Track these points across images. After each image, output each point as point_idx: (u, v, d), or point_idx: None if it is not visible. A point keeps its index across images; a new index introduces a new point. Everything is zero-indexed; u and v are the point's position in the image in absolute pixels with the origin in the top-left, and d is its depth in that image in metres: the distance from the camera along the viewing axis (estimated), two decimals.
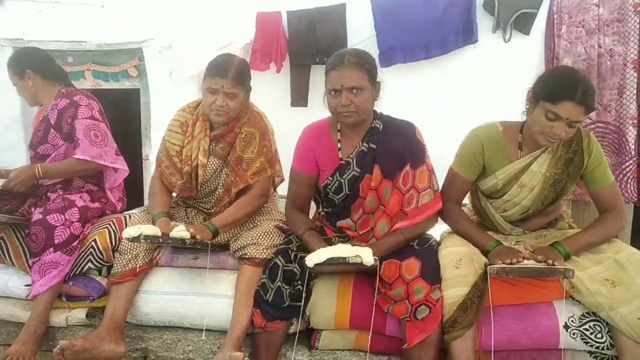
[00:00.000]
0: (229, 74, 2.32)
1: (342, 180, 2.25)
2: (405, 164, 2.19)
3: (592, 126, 4.81)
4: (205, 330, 2.32)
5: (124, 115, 4.81)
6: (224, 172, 2.48)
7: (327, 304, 2.19)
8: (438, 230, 2.41)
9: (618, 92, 4.66)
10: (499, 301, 2.10)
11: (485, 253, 2.13)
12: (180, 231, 2.15)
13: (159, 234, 2.15)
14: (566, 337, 2.04)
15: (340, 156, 2.27)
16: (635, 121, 4.61)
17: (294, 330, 2.28)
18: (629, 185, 4.89)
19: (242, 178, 2.41)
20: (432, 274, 2.08)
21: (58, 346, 2.09)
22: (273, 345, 2.20)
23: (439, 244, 2.28)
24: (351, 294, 2.19)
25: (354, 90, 2.10)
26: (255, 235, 2.34)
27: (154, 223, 2.32)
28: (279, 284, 2.15)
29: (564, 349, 2.09)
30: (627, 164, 4.86)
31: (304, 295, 2.17)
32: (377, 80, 2.18)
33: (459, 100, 3.97)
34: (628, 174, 4.84)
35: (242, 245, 2.32)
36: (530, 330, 2.06)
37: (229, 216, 2.35)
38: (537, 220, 2.31)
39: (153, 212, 2.45)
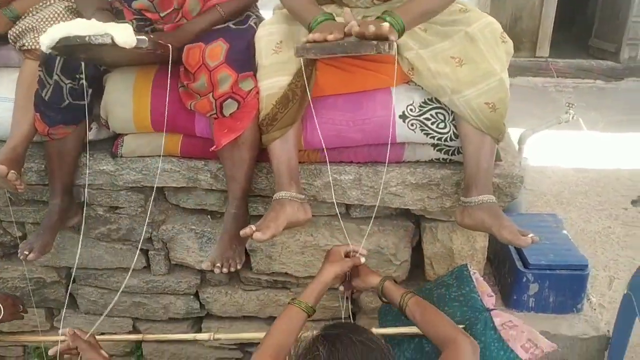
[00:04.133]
0: None
1: None
2: None
3: None
4: None
5: None
6: None
7: (123, 103, 1.78)
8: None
9: None
10: (328, 90, 1.73)
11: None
12: None
13: None
14: (403, 129, 1.71)
15: None
16: None
17: (96, 137, 1.91)
18: None
19: None
20: (242, 59, 1.66)
21: None
22: (65, 154, 1.83)
23: None
24: (151, 90, 1.77)
25: None
26: (37, 19, 1.84)
27: None
28: (57, 77, 1.71)
29: (405, 143, 1.77)
30: None
31: (88, 91, 1.75)
32: None
33: None
34: None
35: (20, 32, 1.83)
36: (361, 123, 1.71)
37: None
38: None
39: None
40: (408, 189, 1.80)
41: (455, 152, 1.76)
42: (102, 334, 2.23)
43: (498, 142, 1.68)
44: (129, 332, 2.24)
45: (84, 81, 1.72)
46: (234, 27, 1.73)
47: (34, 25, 1.82)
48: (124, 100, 1.77)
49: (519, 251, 2.09)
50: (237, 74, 1.63)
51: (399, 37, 1.57)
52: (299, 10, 1.71)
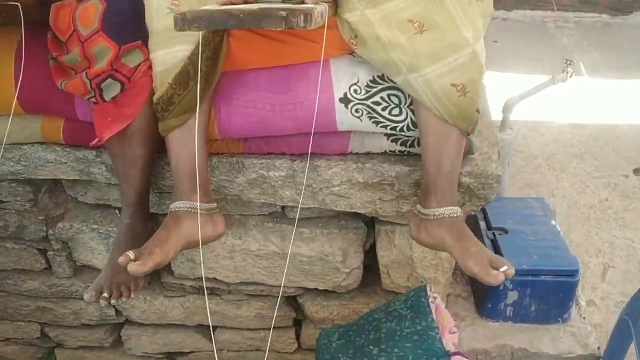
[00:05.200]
0: None
1: None
2: None
3: None
4: None
5: None
6: None
7: None
8: None
9: None
10: (245, 63, 1.31)
11: None
12: None
13: None
14: (346, 116, 1.30)
15: None
16: None
17: None
18: None
19: None
20: (125, 23, 1.22)
21: None
22: None
23: None
24: (13, 61, 1.34)
25: None
26: None
27: None
28: None
29: (350, 131, 1.37)
30: None
31: None
32: None
33: None
34: None
35: None
36: (291, 107, 1.30)
37: None
38: None
39: None
40: (355, 188, 1.42)
41: (415, 142, 1.36)
42: (7, 339, 1.92)
43: (468, 134, 1.27)
44: (37, 338, 1.91)
45: None
46: None
47: None
48: None
49: (496, 250, 1.73)
50: (117, 45, 1.20)
51: None
52: None
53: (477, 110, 1.26)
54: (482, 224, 1.84)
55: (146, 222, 1.39)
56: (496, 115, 2.06)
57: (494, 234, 1.80)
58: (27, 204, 1.61)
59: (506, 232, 1.80)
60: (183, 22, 0.96)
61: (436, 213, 1.24)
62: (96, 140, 1.29)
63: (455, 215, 1.24)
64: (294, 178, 1.41)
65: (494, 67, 3.35)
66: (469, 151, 1.37)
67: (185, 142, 1.26)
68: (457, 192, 1.29)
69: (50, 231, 1.64)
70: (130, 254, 1.14)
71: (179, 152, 1.26)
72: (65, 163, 1.48)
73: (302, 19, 0.92)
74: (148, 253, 1.15)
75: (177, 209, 1.24)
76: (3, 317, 1.87)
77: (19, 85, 1.32)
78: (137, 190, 1.35)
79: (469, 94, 1.21)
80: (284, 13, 0.92)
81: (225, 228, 1.34)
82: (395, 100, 1.29)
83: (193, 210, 1.24)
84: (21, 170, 1.51)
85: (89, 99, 1.27)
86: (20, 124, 1.43)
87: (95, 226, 1.61)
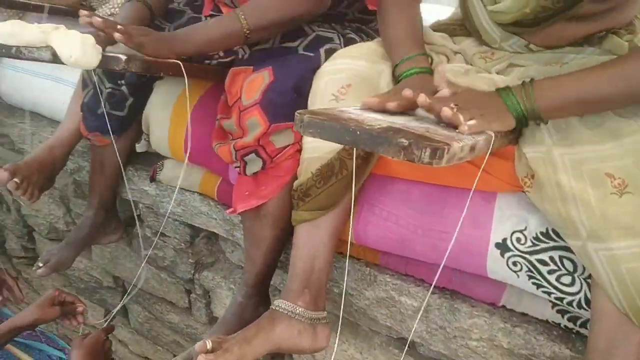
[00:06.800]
0: None
1: None
2: None
3: None
4: None
5: None
6: None
7: (160, 122, 1.42)
8: None
9: None
10: (398, 171, 1.13)
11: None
12: None
13: None
14: (500, 266, 1.04)
15: None
16: None
17: (149, 149, 1.59)
18: None
19: None
20: (284, 102, 1.14)
21: None
22: (106, 165, 1.55)
23: None
24: (189, 114, 1.36)
25: None
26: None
27: None
28: (98, 78, 1.41)
29: (507, 284, 1.09)
30: None
31: (128, 100, 1.43)
32: None
33: None
34: None
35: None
36: (436, 235, 1.08)
37: None
38: (563, 27, 1.09)
39: None
40: (496, 351, 1.13)
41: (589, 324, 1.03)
42: (147, 358, 2.01)
43: None
44: None
45: (127, 89, 1.40)
46: (301, 52, 1.22)
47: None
48: (161, 119, 1.41)
49: None
50: (268, 122, 1.13)
51: (525, 125, 0.93)
52: (394, 42, 1.14)
53: None
54: None
55: (259, 307, 1.28)
56: None
57: None
58: (183, 244, 1.64)
59: None
60: (300, 124, 0.83)
61: None
62: (231, 210, 1.23)
63: None
64: (428, 314, 1.18)
65: None
66: None
67: (311, 239, 1.13)
68: None
69: (197, 276, 1.66)
70: (208, 344, 1.04)
71: (300, 248, 1.14)
72: (215, 219, 1.47)
73: (427, 153, 0.73)
74: (225, 349, 1.04)
75: (277, 308, 1.11)
76: (148, 337, 1.95)
77: (187, 135, 1.34)
78: (257, 272, 1.26)
79: None
80: (405, 142, 0.73)
81: (328, 343, 1.16)
82: (569, 266, 0.99)
83: (292, 314, 1.10)
84: (180, 213, 1.54)
85: (235, 167, 1.22)
86: (185, 171, 1.45)
87: (232, 286, 1.58)
